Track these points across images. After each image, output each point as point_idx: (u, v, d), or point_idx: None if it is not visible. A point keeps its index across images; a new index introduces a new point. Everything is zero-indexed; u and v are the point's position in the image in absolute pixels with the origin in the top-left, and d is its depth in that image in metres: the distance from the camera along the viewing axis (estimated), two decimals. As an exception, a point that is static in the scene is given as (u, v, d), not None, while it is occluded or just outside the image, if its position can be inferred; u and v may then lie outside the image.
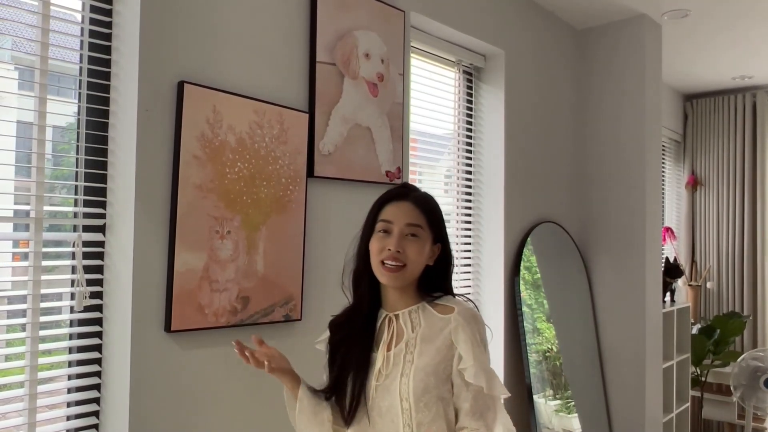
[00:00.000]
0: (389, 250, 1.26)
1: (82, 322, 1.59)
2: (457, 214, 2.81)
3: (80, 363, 1.59)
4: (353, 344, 1.32)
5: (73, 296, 1.55)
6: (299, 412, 1.35)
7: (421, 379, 1.22)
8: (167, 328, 1.57)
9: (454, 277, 1.46)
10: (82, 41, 1.60)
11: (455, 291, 1.39)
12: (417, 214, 1.30)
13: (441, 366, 1.23)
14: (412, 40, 2.44)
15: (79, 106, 1.60)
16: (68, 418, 1.57)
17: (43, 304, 1.52)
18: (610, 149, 3.27)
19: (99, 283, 1.61)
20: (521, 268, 2.83)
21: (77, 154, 1.61)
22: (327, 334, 1.41)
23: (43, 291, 1.52)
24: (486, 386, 1.21)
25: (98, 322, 1.61)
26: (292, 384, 1.36)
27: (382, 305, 1.35)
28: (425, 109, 2.62)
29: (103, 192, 1.62)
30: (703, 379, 4.20)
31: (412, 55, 2.44)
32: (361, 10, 2.12)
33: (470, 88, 2.89)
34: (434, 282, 1.35)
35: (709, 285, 4.67)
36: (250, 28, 1.80)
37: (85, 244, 1.58)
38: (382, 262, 1.27)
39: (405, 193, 1.33)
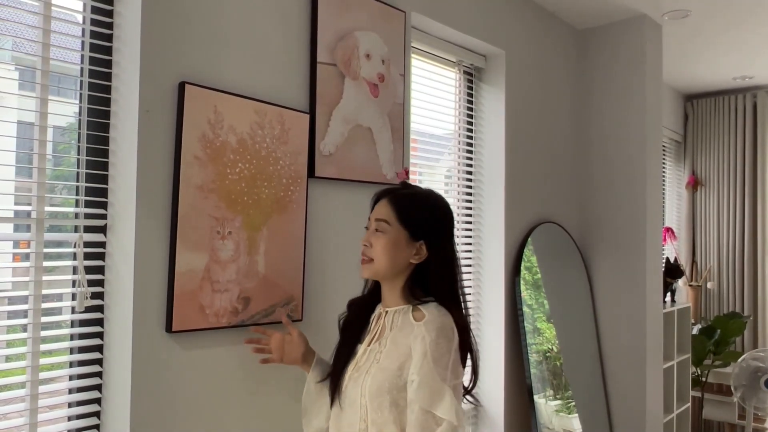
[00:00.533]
0: (364, 245, 1.35)
1: (83, 323, 1.59)
2: (458, 215, 2.81)
3: (81, 363, 1.59)
4: (348, 332, 1.40)
5: (74, 297, 1.55)
6: (306, 394, 1.47)
7: (377, 380, 1.23)
8: (168, 328, 1.57)
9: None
10: (83, 42, 1.60)
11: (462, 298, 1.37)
12: (386, 211, 1.33)
13: (398, 372, 1.22)
14: (413, 41, 2.44)
15: (80, 107, 1.61)
16: (69, 419, 1.57)
17: (45, 305, 1.52)
18: (610, 149, 3.27)
19: (100, 283, 1.61)
20: (522, 268, 2.83)
21: (78, 154, 1.61)
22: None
23: (45, 291, 1.52)
24: (426, 403, 1.15)
25: (99, 322, 1.61)
26: (305, 368, 1.50)
27: (381, 300, 1.40)
28: (426, 109, 2.62)
29: (104, 192, 1.62)
30: (703, 379, 4.20)
31: (412, 55, 2.44)
32: (361, 11, 2.12)
33: (471, 88, 2.89)
34: (431, 284, 1.33)
35: (709, 285, 4.67)
36: (251, 28, 1.80)
37: (86, 244, 1.58)
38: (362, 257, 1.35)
39: (391, 190, 1.38)
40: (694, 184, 4.81)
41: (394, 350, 1.25)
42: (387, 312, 1.34)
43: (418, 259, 1.32)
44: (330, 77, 2.00)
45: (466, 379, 1.33)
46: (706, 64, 4.10)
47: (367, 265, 1.34)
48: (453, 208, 2.74)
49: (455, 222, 1.46)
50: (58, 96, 1.59)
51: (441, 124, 2.78)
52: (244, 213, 1.73)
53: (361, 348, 1.33)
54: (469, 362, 1.34)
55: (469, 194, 2.87)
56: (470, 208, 2.86)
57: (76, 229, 1.59)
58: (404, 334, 1.26)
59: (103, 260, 1.61)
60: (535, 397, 2.70)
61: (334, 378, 1.35)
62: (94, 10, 1.61)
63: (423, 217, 1.33)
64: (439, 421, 1.15)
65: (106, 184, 1.62)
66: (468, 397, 1.35)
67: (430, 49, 2.62)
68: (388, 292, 1.36)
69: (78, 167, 1.60)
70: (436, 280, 1.33)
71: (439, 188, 2.85)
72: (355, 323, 1.41)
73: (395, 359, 1.23)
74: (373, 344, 1.31)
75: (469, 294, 2.82)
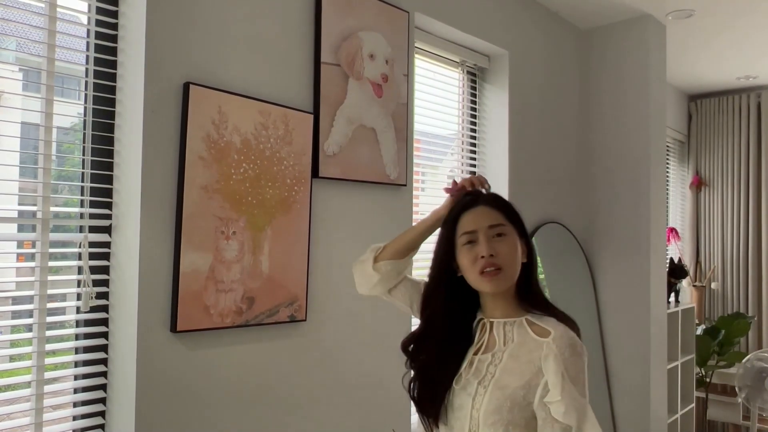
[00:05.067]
0: (482, 257, 1.19)
1: (88, 323, 1.60)
2: (462, 215, 2.80)
3: (86, 363, 1.59)
4: (441, 355, 1.26)
5: (79, 297, 1.56)
6: (393, 245, 1.38)
7: (497, 397, 1.15)
8: (173, 328, 1.57)
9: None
10: (88, 43, 1.61)
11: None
12: (495, 214, 1.24)
13: (522, 392, 1.15)
14: (417, 41, 2.44)
15: (85, 107, 1.61)
16: (74, 418, 1.58)
17: (50, 305, 1.53)
18: (614, 149, 3.26)
19: (105, 283, 1.61)
20: (525, 268, 2.82)
21: (83, 154, 1.61)
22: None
23: (50, 291, 1.53)
24: (576, 426, 1.12)
25: (104, 322, 1.62)
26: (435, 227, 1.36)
27: (481, 310, 1.29)
28: (429, 109, 2.62)
29: (109, 193, 1.63)
30: (707, 380, 4.18)
31: (416, 55, 2.44)
32: (365, 11, 2.12)
33: (474, 88, 2.89)
34: (532, 288, 1.27)
35: (713, 285, 4.66)
36: (256, 29, 1.80)
37: (91, 244, 1.58)
38: (481, 272, 1.20)
39: (473, 200, 1.27)
40: (698, 184, 4.80)
41: (515, 367, 1.18)
42: (494, 323, 1.25)
43: (525, 258, 1.26)
44: (334, 78, 2.00)
45: None
46: (709, 63, 4.09)
47: (498, 276, 1.19)
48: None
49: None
50: (63, 97, 1.60)
51: (444, 125, 2.78)
52: (249, 213, 1.73)
53: (467, 358, 1.24)
54: None
55: (473, 194, 2.86)
56: (474, 209, 2.86)
57: (81, 229, 1.59)
58: (527, 350, 1.18)
59: (108, 260, 1.62)
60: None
61: (442, 392, 1.23)
62: (99, 11, 1.61)
63: (519, 214, 1.30)
64: None
65: (111, 184, 1.63)
66: None
67: (434, 50, 2.62)
68: (497, 301, 1.24)
69: (83, 167, 1.60)
70: (535, 284, 1.28)
71: (442, 189, 2.85)
72: (462, 333, 1.27)
73: (518, 377, 1.16)
74: (481, 355, 1.23)
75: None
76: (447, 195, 1.35)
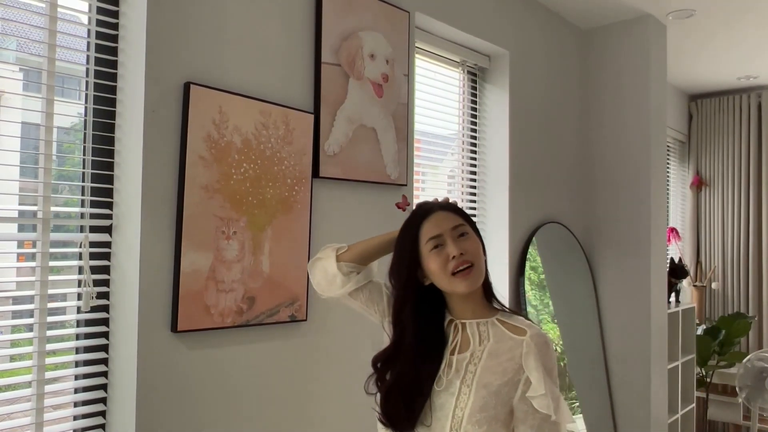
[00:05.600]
0: (453, 258, 1.22)
1: (88, 322, 1.60)
2: (462, 215, 2.80)
3: (87, 363, 1.59)
4: (429, 346, 1.28)
5: (79, 296, 1.56)
6: (357, 248, 1.37)
7: (482, 396, 1.20)
8: (173, 328, 1.57)
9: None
10: (88, 42, 1.61)
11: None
12: (454, 217, 1.28)
13: (505, 388, 1.20)
14: (417, 41, 2.44)
15: (85, 107, 1.61)
16: (75, 418, 1.58)
17: (50, 305, 1.53)
18: (615, 149, 3.26)
19: (105, 283, 1.61)
20: (527, 268, 2.83)
21: (84, 154, 1.61)
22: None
23: (50, 291, 1.53)
24: (554, 415, 1.19)
25: (105, 322, 1.62)
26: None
27: (449, 311, 1.31)
28: (430, 109, 2.62)
29: (109, 192, 1.63)
30: (708, 380, 4.18)
31: (416, 55, 2.44)
32: (366, 11, 2.12)
33: (474, 88, 2.89)
34: (487, 283, 1.31)
35: (714, 285, 4.66)
36: (256, 29, 1.80)
37: (92, 244, 1.58)
38: (452, 274, 1.22)
39: (428, 208, 1.30)
40: (699, 184, 4.79)
41: (496, 365, 1.22)
42: (466, 323, 1.28)
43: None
44: (334, 77, 2.00)
45: None
46: (710, 63, 4.09)
47: (472, 273, 1.22)
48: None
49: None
50: (63, 96, 1.60)
51: (445, 125, 2.78)
52: (249, 213, 1.73)
53: (444, 359, 1.26)
54: None
55: (473, 194, 2.87)
56: (474, 208, 2.86)
57: (81, 229, 1.59)
58: (507, 348, 1.23)
59: (109, 260, 1.62)
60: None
61: (424, 396, 1.24)
62: (100, 10, 1.61)
63: (470, 216, 1.34)
64: (558, 426, 1.22)
65: (112, 184, 1.63)
66: None
67: (434, 50, 2.62)
68: (467, 303, 1.28)
69: (83, 167, 1.60)
70: (490, 284, 1.32)
71: (442, 188, 2.85)
72: (436, 337, 1.29)
73: (501, 374, 1.21)
74: (459, 355, 1.26)
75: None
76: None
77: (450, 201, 1.35)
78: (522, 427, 1.21)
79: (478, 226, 2.82)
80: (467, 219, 1.31)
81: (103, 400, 1.61)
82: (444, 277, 1.23)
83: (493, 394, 1.20)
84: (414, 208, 1.36)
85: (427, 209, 1.30)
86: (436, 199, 1.35)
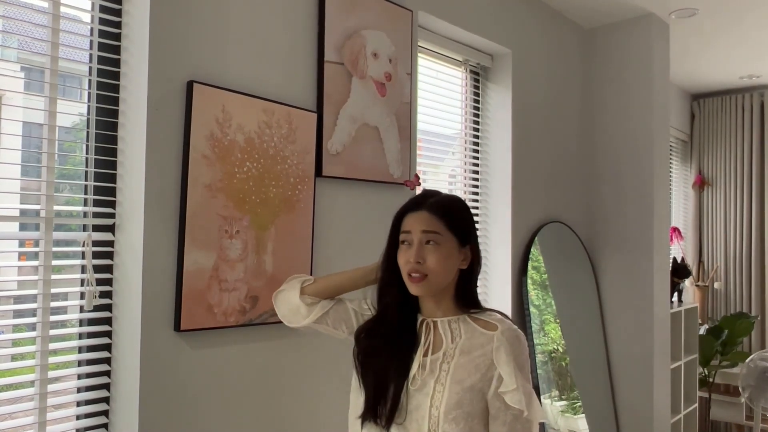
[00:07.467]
0: (410, 261, 1.24)
1: (91, 322, 1.59)
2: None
3: (90, 362, 1.59)
4: (390, 350, 1.29)
5: (82, 296, 1.55)
6: (323, 282, 1.40)
7: (456, 392, 1.20)
8: (177, 327, 1.57)
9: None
10: (91, 41, 1.61)
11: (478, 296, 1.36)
12: (433, 221, 1.26)
13: (479, 384, 1.21)
14: (420, 40, 2.43)
15: (88, 106, 1.61)
16: (78, 418, 1.58)
17: (53, 304, 1.52)
18: (617, 149, 3.26)
19: (108, 282, 1.61)
20: (529, 267, 2.82)
21: (87, 153, 1.61)
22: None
23: (53, 290, 1.53)
24: (526, 410, 1.20)
25: (108, 321, 1.61)
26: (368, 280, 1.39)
27: (420, 311, 1.33)
28: (432, 108, 2.61)
29: (112, 191, 1.62)
30: (710, 379, 4.18)
31: (419, 54, 2.44)
32: (369, 10, 2.11)
33: (477, 87, 2.89)
34: (470, 288, 1.32)
35: (716, 285, 4.65)
36: (259, 27, 1.80)
37: (95, 243, 1.58)
38: (409, 275, 1.25)
39: (421, 201, 1.30)
40: (701, 183, 4.79)
41: (468, 361, 1.23)
42: (437, 322, 1.29)
43: (464, 264, 1.30)
44: (337, 76, 2.00)
45: None
46: (712, 63, 4.08)
47: (422, 283, 1.24)
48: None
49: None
50: (66, 95, 1.60)
51: (447, 124, 2.77)
52: (252, 212, 1.73)
53: (414, 361, 1.27)
54: None
55: (476, 193, 2.86)
56: (477, 208, 2.86)
57: (84, 228, 1.59)
58: (478, 344, 1.24)
59: (112, 259, 1.62)
60: (541, 397, 2.69)
61: (396, 395, 1.25)
62: (103, 9, 1.61)
63: (466, 221, 1.32)
64: (531, 423, 1.23)
65: (115, 183, 1.62)
66: None
67: (437, 48, 2.61)
68: (437, 302, 1.30)
69: (86, 166, 1.60)
70: (472, 290, 1.33)
71: (444, 188, 2.85)
72: (404, 336, 1.30)
73: (473, 370, 1.22)
74: (431, 356, 1.26)
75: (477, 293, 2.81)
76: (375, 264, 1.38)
77: (453, 198, 1.34)
78: (495, 424, 1.21)
79: (481, 225, 2.84)
80: (453, 224, 1.28)
81: (106, 400, 1.60)
82: (403, 273, 1.27)
83: (467, 390, 1.20)
84: (422, 191, 1.35)
85: (416, 203, 1.31)
86: (439, 193, 1.35)
